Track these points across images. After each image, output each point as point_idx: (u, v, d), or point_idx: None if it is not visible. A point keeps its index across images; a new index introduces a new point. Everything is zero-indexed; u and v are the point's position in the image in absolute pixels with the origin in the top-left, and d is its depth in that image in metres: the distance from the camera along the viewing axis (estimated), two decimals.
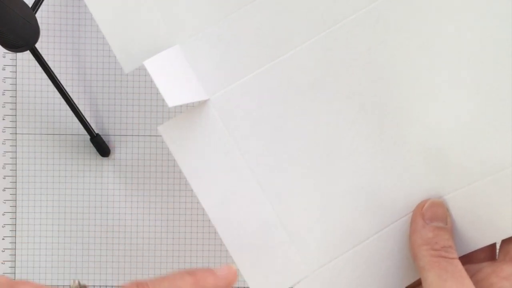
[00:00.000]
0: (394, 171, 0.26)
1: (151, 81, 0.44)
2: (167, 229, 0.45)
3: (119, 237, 0.45)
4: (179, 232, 0.45)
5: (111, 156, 0.44)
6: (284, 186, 0.26)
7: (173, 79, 0.25)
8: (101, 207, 0.44)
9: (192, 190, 0.45)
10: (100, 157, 0.44)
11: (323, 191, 0.26)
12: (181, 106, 0.40)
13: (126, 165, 0.44)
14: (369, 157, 0.26)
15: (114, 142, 0.44)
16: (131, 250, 0.45)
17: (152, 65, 0.24)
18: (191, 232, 0.45)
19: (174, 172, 0.45)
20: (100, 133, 0.44)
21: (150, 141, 0.44)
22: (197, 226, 0.45)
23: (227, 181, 0.27)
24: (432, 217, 0.24)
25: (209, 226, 0.45)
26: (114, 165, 0.44)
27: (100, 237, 0.45)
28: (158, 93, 0.44)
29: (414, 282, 0.26)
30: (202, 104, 0.26)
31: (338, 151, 0.26)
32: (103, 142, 0.43)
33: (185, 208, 0.45)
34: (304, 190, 0.26)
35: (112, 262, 0.45)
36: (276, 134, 0.26)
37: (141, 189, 0.45)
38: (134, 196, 0.44)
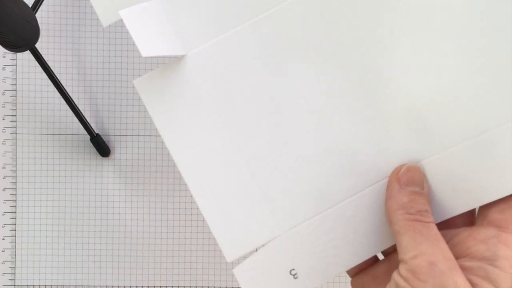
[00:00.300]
0: (372, 133, 0.25)
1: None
2: (167, 229, 0.45)
3: (119, 237, 0.45)
4: (179, 232, 0.45)
5: (111, 156, 0.44)
6: (259, 146, 0.26)
7: (150, 31, 0.25)
8: (101, 207, 0.44)
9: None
10: (100, 157, 0.44)
11: (298, 152, 0.26)
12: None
13: (126, 165, 0.44)
14: (347, 119, 0.25)
15: (114, 142, 0.44)
16: (131, 250, 0.45)
17: (128, 15, 0.24)
18: (191, 232, 0.45)
19: (174, 172, 0.45)
20: (100, 133, 0.44)
21: (150, 141, 0.44)
22: (197, 226, 0.45)
23: (200, 138, 0.26)
24: (408, 182, 0.24)
25: (208, 226, 0.45)
26: (114, 165, 0.44)
27: (100, 237, 0.45)
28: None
29: (389, 248, 0.26)
30: (178, 59, 0.26)
31: (315, 111, 0.26)
32: (103, 142, 0.43)
33: (185, 208, 0.45)
34: (280, 150, 0.26)
35: (112, 262, 0.45)
36: (253, 93, 0.26)
37: (141, 189, 0.45)
38: (134, 196, 0.44)
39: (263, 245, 0.26)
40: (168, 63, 0.26)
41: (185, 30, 0.26)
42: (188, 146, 0.26)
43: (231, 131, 0.26)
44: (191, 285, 0.45)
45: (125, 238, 0.45)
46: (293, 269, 0.26)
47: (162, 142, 0.44)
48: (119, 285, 0.45)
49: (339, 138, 0.26)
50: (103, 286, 0.45)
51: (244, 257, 0.26)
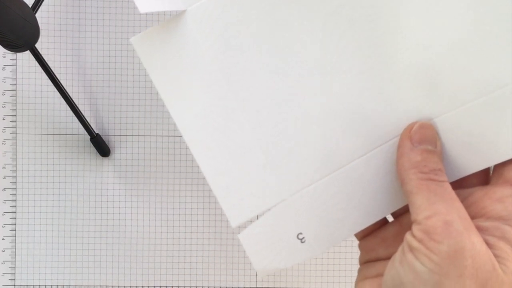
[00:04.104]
0: (382, 91, 0.24)
1: (151, 81, 0.44)
2: (167, 229, 0.45)
3: (119, 237, 0.45)
4: (179, 232, 0.45)
5: (111, 156, 0.44)
6: (262, 105, 0.25)
7: None
8: (101, 207, 0.44)
9: (192, 190, 0.45)
10: (100, 157, 0.44)
11: (304, 111, 0.25)
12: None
13: (126, 165, 0.44)
14: (356, 75, 0.24)
15: (114, 142, 0.44)
16: (131, 250, 0.45)
17: None
18: (191, 232, 0.45)
19: (174, 172, 0.45)
20: (100, 133, 0.44)
21: (150, 141, 0.44)
22: (197, 226, 0.45)
23: (202, 98, 0.25)
24: (420, 139, 0.23)
25: (208, 226, 0.45)
26: (114, 165, 0.44)
27: (100, 237, 0.45)
28: (158, 93, 0.44)
29: (401, 209, 0.25)
30: (178, 15, 0.25)
31: (323, 69, 0.24)
32: (103, 142, 0.43)
33: (185, 208, 0.45)
34: (284, 110, 0.25)
35: (112, 262, 0.45)
36: (257, 49, 0.24)
37: (141, 189, 0.45)
38: (134, 196, 0.44)
39: (268, 210, 0.25)
40: (167, 20, 0.25)
41: None
42: (188, 106, 0.25)
43: (233, 90, 0.25)
44: (191, 285, 0.45)
45: (125, 238, 0.45)
46: (300, 233, 0.25)
47: (162, 142, 0.44)
48: (119, 285, 0.45)
49: (346, 97, 0.24)
50: (103, 286, 0.45)
51: (250, 221, 0.25)
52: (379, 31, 0.24)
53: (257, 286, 0.45)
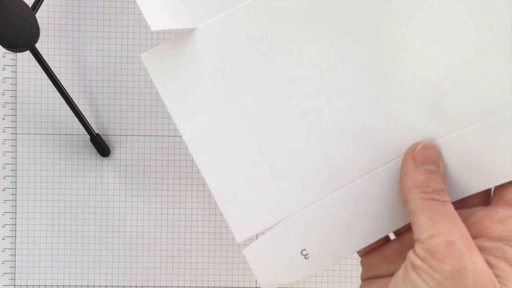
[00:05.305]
0: (387, 110, 0.25)
1: (151, 81, 0.44)
2: (167, 229, 0.45)
3: (119, 237, 0.45)
4: (179, 232, 0.45)
5: (111, 156, 0.44)
6: (270, 121, 0.25)
7: (158, 3, 0.24)
8: (101, 207, 0.44)
9: (192, 190, 0.45)
10: (100, 157, 0.44)
11: (310, 128, 0.25)
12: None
13: (126, 165, 0.44)
14: (361, 94, 0.25)
15: (114, 142, 0.44)
16: (131, 250, 0.45)
17: None
18: (191, 232, 0.45)
19: (174, 172, 0.45)
20: (100, 133, 0.44)
21: (150, 141, 0.44)
22: (197, 226, 0.45)
23: (210, 113, 0.25)
24: (424, 160, 0.23)
25: (208, 226, 0.45)
26: (114, 165, 0.44)
27: (100, 237, 0.45)
28: (158, 93, 0.44)
29: (401, 228, 0.25)
30: (188, 33, 0.25)
31: (329, 86, 0.25)
32: (103, 142, 0.43)
33: (185, 208, 0.45)
34: (291, 126, 0.25)
35: (112, 262, 0.45)
36: (265, 67, 0.25)
37: (141, 189, 0.45)
38: (134, 196, 0.44)
39: (274, 225, 0.25)
40: (176, 37, 0.25)
41: (194, 2, 0.25)
42: (196, 121, 0.25)
43: (240, 105, 0.25)
44: (191, 285, 0.45)
45: (125, 238, 0.45)
46: (304, 249, 0.25)
47: (162, 142, 0.44)
48: (119, 285, 0.45)
49: (351, 115, 0.25)
50: (103, 286, 0.45)
51: (257, 235, 0.26)
52: (385, 51, 0.24)
53: (257, 286, 0.45)
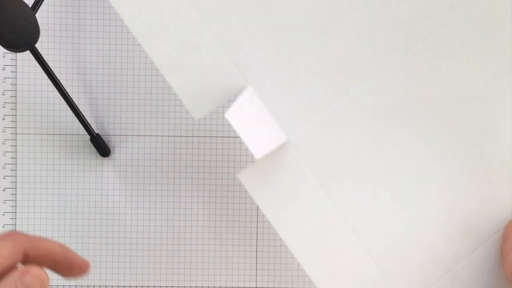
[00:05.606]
0: (480, 192, 0.25)
1: (151, 81, 0.44)
2: (167, 229, 0.45)
3: (119, 237, 0.45)
4: (179, 232, 0.45)
5: (111, 156, 0.44)
6: (372, 221, 0.26)
7: (254, 126, 0.25)
8: (101, 207, 0.44)
9: (192, 190, 0.45)
10: (100, 157, 0.44)
11: (410, 220, 0.26)
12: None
13: (126, 165, 0.44)
14: (455, 179, 0.25)
15: (114, 142, 0.44)
16: (131, 250, 0.45)
17: (234, 117, 0.23)
18: (191, 232, 0.45)
19: (174, 172, 0.45)
20: (100, 133, 0.44)
21: (150, 141, 0.44)
22: (197, 226, 0.45)
23: (314, 223, 0.26)
24: None
25: (208, 226, 0.45)
26: (114, 165, 0.44)
27: (100, 237, 0.45)
28: (158, 93, 0.44)
29: None
30: (281, 146, 0.26)
31: (423, 176, 0.26)
32: (103, 142, 0.43)
33: (185, 208, 0.45)
34: (392, 222, 0.26)
35: (112, 262, 0.45)
36: (359, 166, 0.26)
37: (141, 189, 0.45)
38: (134, 196, 0.44)
39: None
40: (270, 154, 0.25)
41: (282, 113, 0.25)
42: (303, 235, 0.26)
43: (342, 210, 0.26)
44: (191, 285, 0.45)
45: (125, 238, 0.45)
46: None
47: (162, 142, 0.44)
48: (119, 285, 0.45)
49: (449, 200, 0.25)
50: (103, 286, 0.45)
51: None
52: (475, 135, 0.25)
53: (257, 286, 0.45)
